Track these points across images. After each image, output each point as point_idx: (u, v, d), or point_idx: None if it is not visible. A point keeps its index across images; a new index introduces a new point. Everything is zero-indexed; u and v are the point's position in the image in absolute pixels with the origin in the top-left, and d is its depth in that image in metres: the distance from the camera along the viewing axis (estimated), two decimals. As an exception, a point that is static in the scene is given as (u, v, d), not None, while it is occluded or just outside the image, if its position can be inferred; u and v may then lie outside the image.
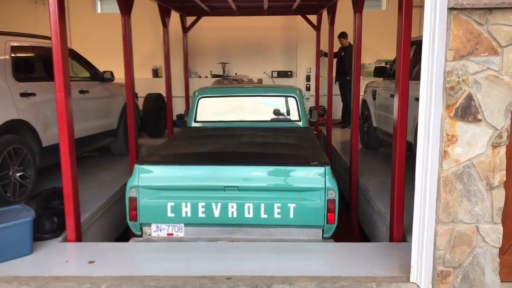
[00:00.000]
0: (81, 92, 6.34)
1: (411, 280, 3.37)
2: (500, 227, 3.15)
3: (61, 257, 3.84)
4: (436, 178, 3.13)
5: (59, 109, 3.94)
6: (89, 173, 6.32)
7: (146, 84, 11.09)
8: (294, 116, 6.25)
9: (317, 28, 10.06)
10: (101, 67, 7.19)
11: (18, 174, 4.87)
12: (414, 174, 3.29)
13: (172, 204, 4.11)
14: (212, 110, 6.29)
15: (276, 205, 4.08)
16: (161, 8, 8.20)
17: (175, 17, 9.28)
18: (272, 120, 6.32)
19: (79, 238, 4.17)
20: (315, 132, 7.27)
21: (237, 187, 4.10)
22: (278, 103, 6.40)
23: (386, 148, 7.60)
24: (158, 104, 9.71)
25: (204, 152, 4.64)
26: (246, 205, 4.09)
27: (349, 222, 6.13)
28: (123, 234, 5.34)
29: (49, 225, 4.13)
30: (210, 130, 5.86)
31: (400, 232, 4.08)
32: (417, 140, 3.24)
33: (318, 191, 4.05)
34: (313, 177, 4.10)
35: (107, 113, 7.10)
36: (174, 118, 10.75)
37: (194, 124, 6.19)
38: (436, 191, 3.14)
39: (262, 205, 4.08)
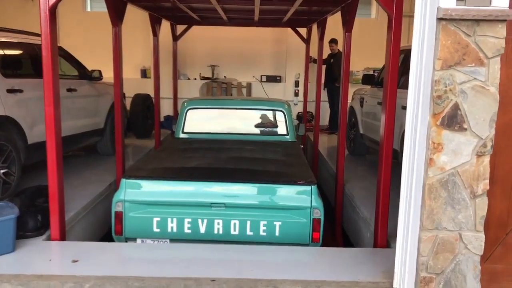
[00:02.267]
0: (69, 90, 6.29)
1: (394, 286, 3.40)
2: (482, 235, 3.20)
3: (44, 256, 3.81)
4: (421, 185, 3.17)
5: (48, 124, 3.93)
6: (75, 172, 6.27)
7: (134, 85, 11.04)
8: (282, 130, 6.27)
9: (306, 41, 10.16)
10: (89, 66, 7.15)
11: (2, 171, 4.81)
12: (399, 181, 3.34)
13: (158, 219, 4.11)
14: (200, 121, 6.29)
15: (262, 222, 4.11)
16: (152, 18, 8.15)
17: (165, 24, 9.26)
18: (260, 133, 6.33)
19: (63, 237, 4.14)
20: (302, 146, 7.33)
21: (224, 204, 4.12)
22: (266, 116, 6.44)
23: (372, 155, 7.67)
24: (145, 104, 9.67)
25: (191, 168, 4.65)
26: (232, 222, 4.11)
27: (333, 232, 6.17)
28: (108, 234, 5.30)
29: (32, 223, 4.09)
30: (198, 142, 5.86)
31: (384, 238, 4.12)
32: (404, 147, 3.28)
33: (304, 210, 4.09)
34: (299, 196, 4.14)
35: (94, 112, 7.06)
36: (162, 119, 10.72)
37: (181, 135, 6.18)
38: (421, 198, 3.18)
39: (248, 222, 4.11)
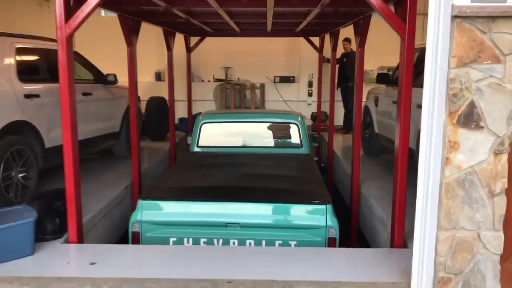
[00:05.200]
0: (84, 94, 6.36)
1: (411, 286, 3.37)
2: (501, 234, 3.15)
3: (63, 258, 3.86)
4: (438, 185, 3.14)
5: (64, 128, 4.00)
6: (91, 175, 6.34)
7: (148, 88, 11.11)
8: (295, 143, 6.28)
9: (319, 50, 10.15)
10: (104, 70, 7.22)
11: (20, 175, 4.88)
12: (415, 180, 3.31)
13: (175, 239, 4.16)
14: (215, 135, 6.35)
15: (277, 242, 4.12)
16: (166, 32, 8.18)
17: (179, 34, 9.30)
18: (274, 146, 6.36)
19: (80, 240, 4.19)
20: (316, 159, 7.37)
21: (239, 223, 4.14)
22: (280, 129, 6.46)
23: (388, 155, 7.61)
24: (160, 107, 9.75)
25: (206, 187, 4.69)
26: (248, 241, 4.13)
27: (349, 233, 6.14)
28: (124, 236, 5.35)
29: (51, 226, 4.15)
30: (212, 157, 5.90)
31: (401, 238, 4.09)
32: (420, 147, 3.25)
33: (319, 229, 4.09)
34: (314, 215, 4.14)
35: (109, 115, 7.12)
36: (176, 121, 10.78)
37: (196, 149, 6.24)
38: (438, 197, 3.15)
39: (263, 242, 4.12)
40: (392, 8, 4.04)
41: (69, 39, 3.95)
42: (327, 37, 9.07)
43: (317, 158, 8.28)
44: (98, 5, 3.91)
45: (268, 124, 6.52)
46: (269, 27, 7.83)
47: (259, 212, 4.22)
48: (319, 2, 4.95)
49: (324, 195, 4.36)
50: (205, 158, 5.88)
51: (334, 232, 4.08)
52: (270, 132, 6.48)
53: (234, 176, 5.04)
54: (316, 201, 4.20)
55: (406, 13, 3.77)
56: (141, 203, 4.24)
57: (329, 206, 4.14)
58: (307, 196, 4.37)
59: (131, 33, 5.89)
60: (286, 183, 4.79)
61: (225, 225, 4.15)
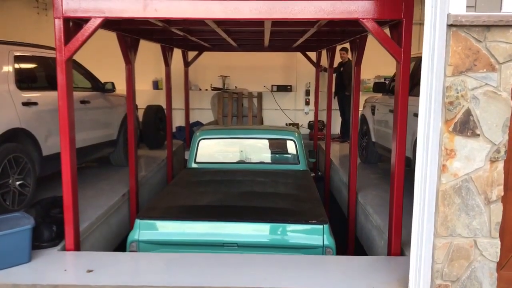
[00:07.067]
0: (82, 102, 6.37)
1: (409, 294, 3.38)
2: (498, 242, 3.17)
3: (60, 266, 3.84)
4: (435, 192, 3.16)
5: (62, 136, 4.01)
6: (88, 183, 6.33)
7: (146, 96, 11.12)
8: (292, 159, 6.31)
9: (316, 64, 10.21)
10: (102, 78, 7.23)
11: (17, 183, 4.87)
12: (412, 189, 3.32)
13: None
14: (212, 151, 6.38)
15: None
16: (164, 48, 8.21)
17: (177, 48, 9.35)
18: (271, 163, 6.39)
19: (77, 247, 4.17)
20: (313, 174, 7.40)
21: (236, 243, 4.15)
22: (277, 145, 6.51)
23: (385, 163, 7.64)
24: (158, 116, 9.75)
25: (204, 206, 4.70)
26: None
27: (347, 241, 6.14)
28: (121, 244, 5.33)
29: (48, 234, 4.13)
30: (210, 173, 5.91)
31: (399, 246, 4.09)
32: (416, 154, 3.28)
33: (317, 249, 4.10)
34: (311, 235, 4.14)
35: (107, 123, 7.13)
36: (174, 130, 10.78)
37: (194, 165, 6.26)
38: (435, 204, 3.17)
39: None
40: (387, 31, 4.08)
41: (69, 61, 3.96)
42: (323, 51, 9.14)
43: (313, 174, 8.31)
44: (97, 28, 3.90)
45: (265, 140, 6.58)
46: (266, 43, 7.91)
47: (256, 231, 4.23)
48: (316, 23, 4.99)
49: (321, 215, 4.35)
50: (203, 175, 5.89)
51: (331, 252, 4.08)
52: (267, 148, 6.53)
53: (232, 195, 5.04)
54: (313, 221, 4.20)
55: (402, 37, 3.80)
56: (138, 222, 4.24)
57: (326, 226, 4.14)
58: (304, 215, 4.37)
59: (129, 50, 5.91)
60: (283, 202, 4.80)
61: (223, 244, 4.16)
